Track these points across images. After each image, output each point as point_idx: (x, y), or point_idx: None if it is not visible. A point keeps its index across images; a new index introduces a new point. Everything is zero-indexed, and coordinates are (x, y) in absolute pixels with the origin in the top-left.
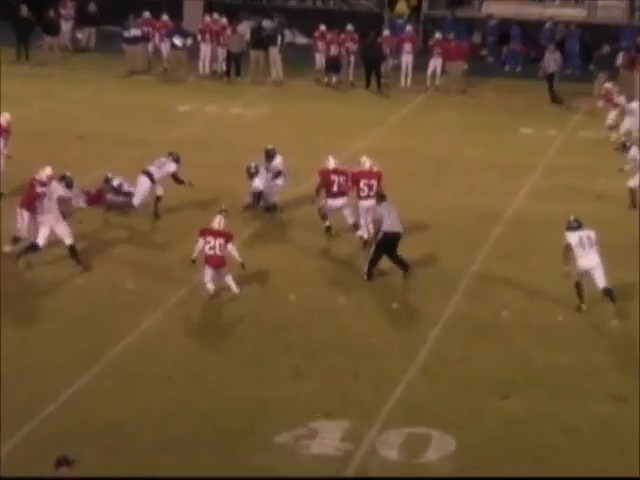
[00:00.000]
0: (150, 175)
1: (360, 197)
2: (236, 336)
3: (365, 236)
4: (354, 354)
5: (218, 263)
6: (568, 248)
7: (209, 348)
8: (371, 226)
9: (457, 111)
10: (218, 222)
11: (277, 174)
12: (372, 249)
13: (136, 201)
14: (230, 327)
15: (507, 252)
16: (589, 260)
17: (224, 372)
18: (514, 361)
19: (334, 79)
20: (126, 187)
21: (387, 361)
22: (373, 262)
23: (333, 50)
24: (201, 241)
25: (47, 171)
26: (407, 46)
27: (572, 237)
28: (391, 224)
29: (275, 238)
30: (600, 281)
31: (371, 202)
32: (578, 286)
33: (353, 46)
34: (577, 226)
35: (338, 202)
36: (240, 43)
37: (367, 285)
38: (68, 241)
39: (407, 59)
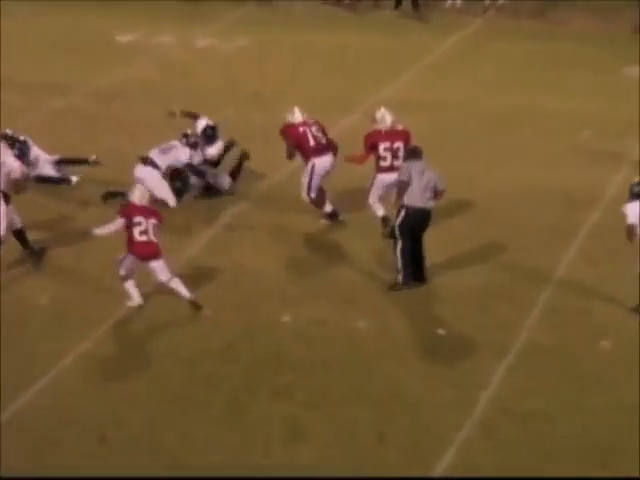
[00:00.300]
0: (154, 164)
1: (380, 168)
2: (204, 377)
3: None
4: (379, 404)
5: (153, 253)
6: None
7: (164, 395)
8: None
9: (530, 42)
10: (140, 195)
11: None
12: (396, 236)
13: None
14: (195, 364)
15: (605, 251)
16: None
17: (186, 432)
18: (620, 418)
19: None
20: (41, 157)
21: (429, 414)
22: (404, 255)
23: None
24: (120, 222)
25: None
26: None
27: (632, 209)
28: (419, 196)
29: (258, 233)
30: None
31: (395, 176)
32: None
33: None
34: None
35: (326, 161)
36: None
37: (396, 300)
38: None
39: None
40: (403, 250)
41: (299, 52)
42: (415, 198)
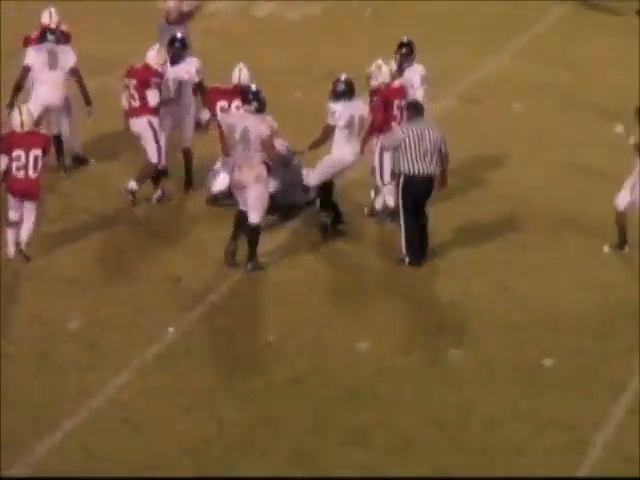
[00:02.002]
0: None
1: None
2: (265, 416)
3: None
4: (474, 452)
5: (30, 190)
6: None
7: (218, 439)
8: None
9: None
10: (20, 119)
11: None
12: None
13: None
14: (254, 400)
15: None
16: None
17: None
18: None
19: None
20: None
21: (536, 460)
22: (408, 233)
23: None
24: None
25: None
26: None
27: None
28: (419, 161)
29: (325, 246)
30: None
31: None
32: None
33: None
34: None
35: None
36: None
37: (493, 325)
38: None
39: None
40: (407, 224)
41: (380, 20)
42: (417, 163)
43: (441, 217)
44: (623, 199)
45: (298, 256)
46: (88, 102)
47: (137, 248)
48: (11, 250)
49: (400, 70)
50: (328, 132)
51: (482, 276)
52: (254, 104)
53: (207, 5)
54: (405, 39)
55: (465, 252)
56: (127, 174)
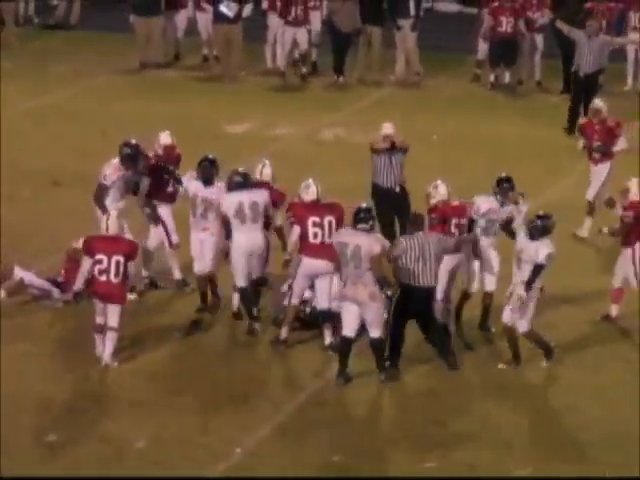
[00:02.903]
0: None
1: None
2: None
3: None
4: None
5: (112, 294)
6: None
7: None
8: None
9: None
10: (106, 225)
11: None
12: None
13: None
14: None
15: None
16: None
17: None
18: None
19: (507, 76)
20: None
21: None
22: (394, 341)
23: (505, 25)
24: (87, 262)
25: None
26: (636, 18)
27: None
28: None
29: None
30: None
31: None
32: None
33: (541, 18)
34: None
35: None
36: (352, 15)
37: (568, 444)
38: None
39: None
40: (393, 338)
41: (450, 143)
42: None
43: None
44: None
45: (364, 376)
46: None
47: (200, 367)
48: (99, 352)
49: (502, 206)
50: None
51: (550, 395)
52: (370, 223)
53: (273, 129)
54: (504, 175)
55: (533, 371)
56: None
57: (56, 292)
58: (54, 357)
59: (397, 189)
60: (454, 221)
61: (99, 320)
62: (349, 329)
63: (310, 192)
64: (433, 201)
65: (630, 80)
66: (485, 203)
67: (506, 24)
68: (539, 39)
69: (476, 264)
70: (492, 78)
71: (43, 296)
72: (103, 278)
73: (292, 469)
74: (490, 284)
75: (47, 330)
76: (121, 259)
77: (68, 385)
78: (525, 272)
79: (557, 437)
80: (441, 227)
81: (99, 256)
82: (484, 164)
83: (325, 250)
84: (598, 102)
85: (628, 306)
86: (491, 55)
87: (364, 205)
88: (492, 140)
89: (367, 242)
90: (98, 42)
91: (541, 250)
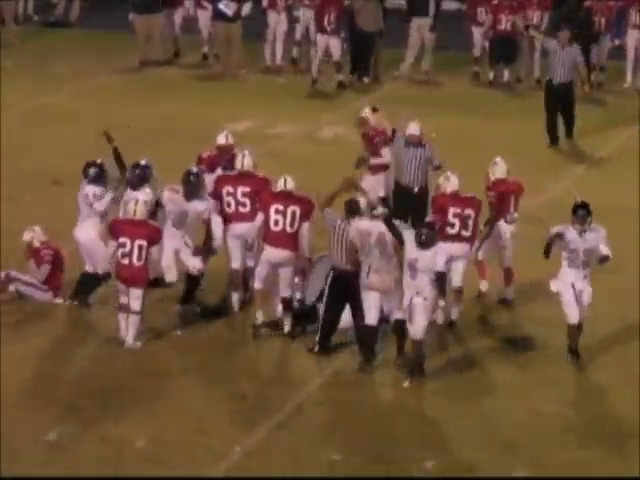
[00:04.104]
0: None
1: (445, 237)
2: None
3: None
4: None
5: (134, 278)
6: None
7: None
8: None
9: None
10: (134, 208)
11: None
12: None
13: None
14: None
15: None
16: None
17: None
18: None
19: (506, 74)
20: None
21: None
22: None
23: (505, 23)
24: (112, 244)
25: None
26: (637, 15)
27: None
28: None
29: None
30: None
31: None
32: None
33: (539, 15)
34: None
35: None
36: (376, 15)
37: (568, 444)
38: None
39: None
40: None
41: (449, 142)
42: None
43: (511, 336)
44: None
45: (360, 376)
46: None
47: (199, 366)
48: (123, 334)
49: (582, 233)
50: None
51: (550, 394)
52: (385, 210)
53: (273, 127)
54: (579, 200)
55: (533, 371)
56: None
57: (44, 289)
58: (53, 356)
59: (416, 189)
60: (452, 210)
61: (123, 300)
62: (373, 317)
63: (280, 184)
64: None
65: (629, 78)
66: (560, 229)
67: (505, 22)
68: (537, 37)
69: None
70: (491, 76)
71: (30, 292)
72: (125, 261)
73: (292, 469)
74: (575, 317)
75: (46, 329)
76: (144, 243)
77: (68, 384)
78: (422, 282)
79: (556, 436)
80: (440, 217)
81: (122, 239)
82: (482, 161)
83: (285, 239)
84: (366, 110)
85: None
86: (490, 53)
87: (381, 193)
88: (490, 137)
89: None
90: (98, 41)
91: (438, 258)
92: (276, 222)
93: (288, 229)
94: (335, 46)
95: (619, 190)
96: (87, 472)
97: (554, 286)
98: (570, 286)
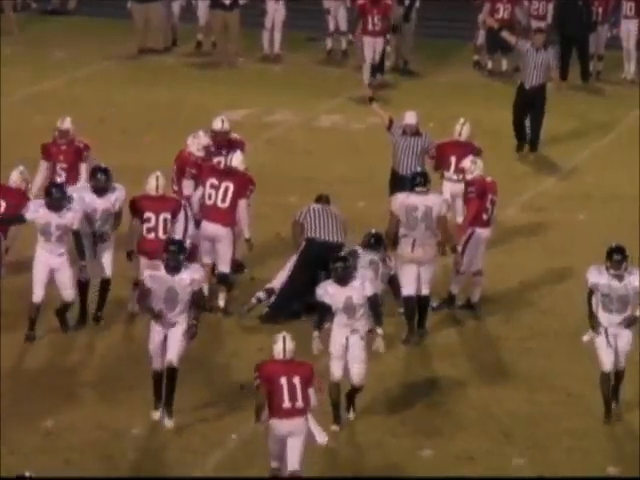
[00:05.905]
0: None
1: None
2: None
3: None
4: None
5: (159, 251)
6: None
7: None
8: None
9: None
10: (156, 184)
11: None
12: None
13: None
14: None
15: None
16: None
17: None
18: None
19: (504, 63)
20: None
21: None
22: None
23: (502, 11)
24: (136, 222)
25: None
26: (631, 4)
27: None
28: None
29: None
30: None
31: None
32: None
33: (544, 5)
34: None
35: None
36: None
37: (571, 432)
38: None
39: (632, 27)
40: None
41: (447, 130)
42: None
43: (510, 326)
44: None
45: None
46: None
47: (199, 355)
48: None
49: (619, 278)
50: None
51: (547, 384)
52: (428, 185)
53: (270, 116)
54: (614, 245)
55: (530, 360)
56: None
57: None
58: (51, 344)
59: None
60: (490, 197)
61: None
62: (411, 288)
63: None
64: (470, 176)
65: (627, 67)
66: (594, 277)
67: (503, 11)
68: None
69: None
70: (489, 65)
71: None
72: (151, 236)
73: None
74: (609, 363)
75: (44, 318)
76: (168, 216)
77: (65, 372)
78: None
79: (555, 426)
80: (479, 201)
81: (147, 214)
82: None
83: (217, 214)
84: (67, 121)
85: None
86: (488, 42)
87: (419, 169)
88: (489, 127)
89: (438, 202)
90: (96, 28)
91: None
92: (209, 196)
93: (219, 204)
94: (379, 47)
95: (619, 177)
96: (83, 459)
97: (586, 336)
98: (603, 331)
